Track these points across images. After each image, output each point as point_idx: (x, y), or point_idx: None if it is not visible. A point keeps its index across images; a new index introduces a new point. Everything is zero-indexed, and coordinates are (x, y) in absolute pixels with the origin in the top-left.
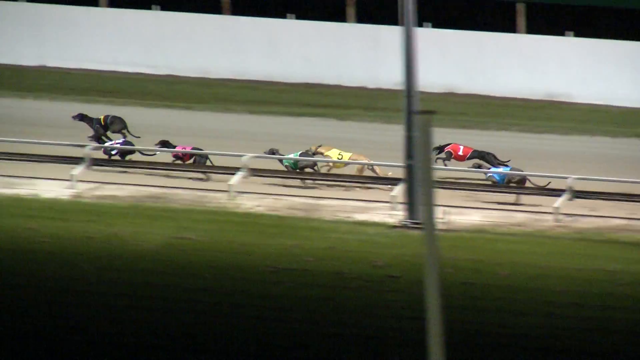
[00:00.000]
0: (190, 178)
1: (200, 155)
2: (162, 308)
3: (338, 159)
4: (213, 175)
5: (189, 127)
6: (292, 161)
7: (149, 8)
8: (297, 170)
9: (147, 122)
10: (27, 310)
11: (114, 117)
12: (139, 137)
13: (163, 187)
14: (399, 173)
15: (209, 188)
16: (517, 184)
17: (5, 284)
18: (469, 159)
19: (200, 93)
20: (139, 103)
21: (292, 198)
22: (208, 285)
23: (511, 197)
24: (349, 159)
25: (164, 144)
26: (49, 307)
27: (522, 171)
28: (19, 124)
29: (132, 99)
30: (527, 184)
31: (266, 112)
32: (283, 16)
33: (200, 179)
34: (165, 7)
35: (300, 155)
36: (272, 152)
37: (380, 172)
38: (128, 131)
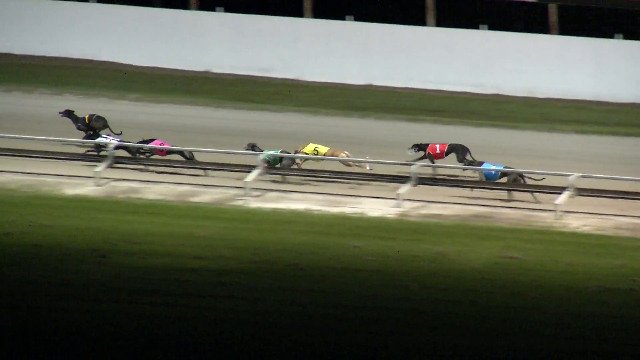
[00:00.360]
0: (512, 200)
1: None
2: (494, 330)
3: (314, 153)
4: (539, 195)
5: (514, 146)
6: (271, 157)
7: (477, 27)
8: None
9: (472, 141)
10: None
11: (98, 116)
12: (120, 133)
13: (489, 206)
14: None
15: (535, 207)
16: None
17: (328, 302)
18: (446, 154)
19: (525, 112)
20: (464, 122)
21: (619, 218)
22: (535, 304)
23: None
24: (325, 154)
25: (253, 146)
26: (372, 324)
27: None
28: (346, 142)
29: (457, 118)
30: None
31: (593, 132)
32: (610, 36)
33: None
34: (493, 27)
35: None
36: (252, 146)
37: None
38: (110, 129)
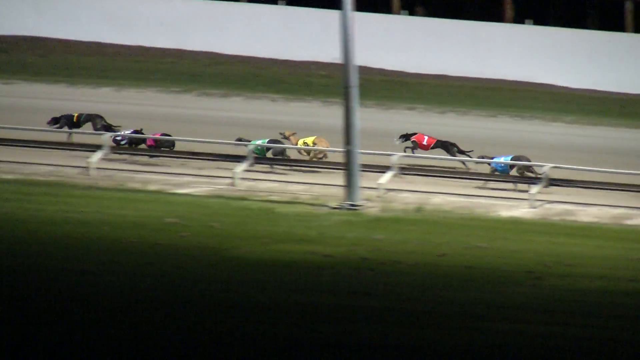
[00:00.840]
0: None
1: None
2: None
3: (304, 144)
4: None
5: None
6: (259, 148)
7: None
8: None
9: None
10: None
11: (90, 114)
12: (120, 126)
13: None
14: None
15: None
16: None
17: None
18: (432, 148)
19: None
20: None
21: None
22: None
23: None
24: (312, 142)
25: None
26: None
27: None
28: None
29: None
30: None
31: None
32: None
33: None
34: None
35: (268, 142)
36: (239, 139)
37: None
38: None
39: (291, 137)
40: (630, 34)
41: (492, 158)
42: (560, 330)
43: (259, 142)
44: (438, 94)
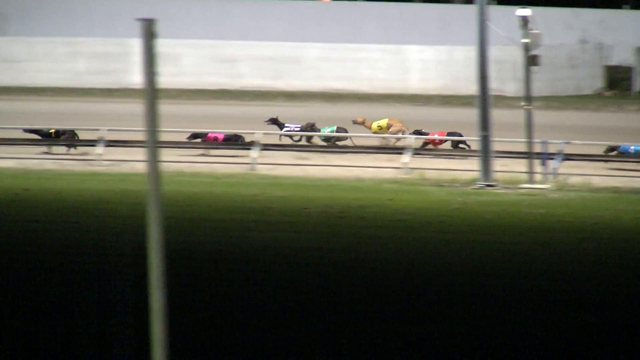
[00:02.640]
0: None
1: None
2: None
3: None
4: None
5: None
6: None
7: None
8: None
9: None
10: None
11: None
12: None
13: None
14: None
15: None
16: None
17: None
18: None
19: None
20: None
21: None
22: None
23: None
24: (386, 125)
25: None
26: None
27: None
28: None
29: None
30: None
31: None
32: None
33: None
34: None
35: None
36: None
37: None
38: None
39: (365, 123)
40: None
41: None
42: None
43: (327, 129)
44: None
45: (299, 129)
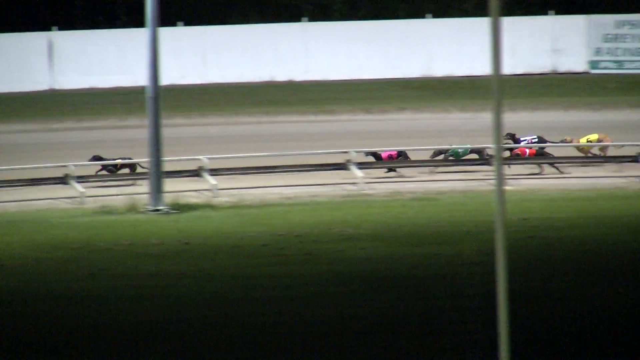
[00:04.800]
0: None
1: None
2: None
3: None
4: None
5: None
6: (456, 151)
7: None
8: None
9: None
10: None
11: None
12: None
13: None
14: None
15: None
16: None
17: None
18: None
19: None
20: None
21: None
22: None
23: None
24: (596, 140)
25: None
26: None
27: None
28: None
29: None
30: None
31: None
32: None
33: None
34: None
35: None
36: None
37: None
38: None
39: (573, 140)
40: None
41: None
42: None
43: (461, 146)
44: None
45: (536, 140)
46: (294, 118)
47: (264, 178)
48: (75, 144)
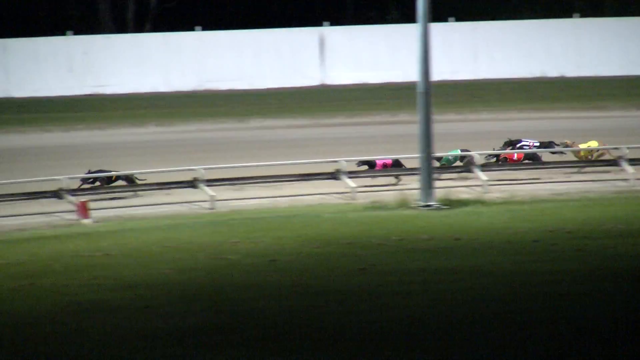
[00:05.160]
0: None
1: None
2: None
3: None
4: None
5: None
6: (447, 158)
7: None
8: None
9: None
10: None
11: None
12: None
13: None
14: None
15: None
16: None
17: None
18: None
19: None
20: None
21: None
22: None
23: None
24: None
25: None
26: None
27: None
28: None
29: None
30: None
31: None
32: None
33: None
34: None
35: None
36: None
37: None
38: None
39: (573, 145)
40: None
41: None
42: None
43: (451, 153)
44: None
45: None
46: (564, 114)
47: (533, 173)
48: (345, 139)
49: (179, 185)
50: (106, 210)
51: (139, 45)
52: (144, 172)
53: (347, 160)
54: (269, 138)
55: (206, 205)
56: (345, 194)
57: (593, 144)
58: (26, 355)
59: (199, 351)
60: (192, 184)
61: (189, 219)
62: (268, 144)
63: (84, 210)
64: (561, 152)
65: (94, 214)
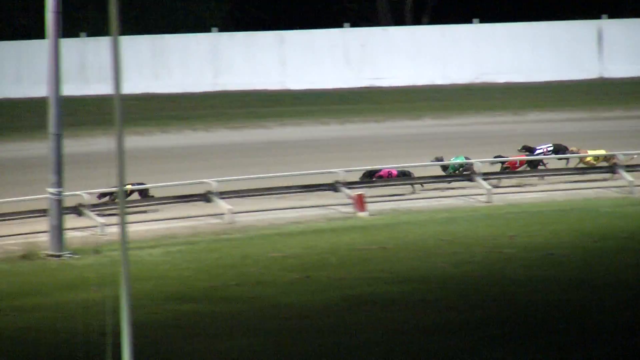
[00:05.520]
0: None
1: None
2: None
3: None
4: None
5: None
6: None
7: None
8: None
9: None
10: None
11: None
12: None
13: None
14: None
15: None
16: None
17: None
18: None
19: None
20: None
21: None
22: None
23: None
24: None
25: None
26: None
27: None
28: None
29: None
30: None
31: None
32: None
33: None
34: None
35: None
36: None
37: None
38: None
39: (580, 151)
40: None
41: None
42: None
43: (457, 160)
44: None
45: (551, 149)
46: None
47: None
48: (624, 132)
49: (455, 179)
50: (381, 203)
51: (416, 38)
52: (409, 166)
53: (624, 154)
54: (543, 131)
55: (482, 198)
56: (624, 188)
57: (600, 151)
58: (306, 346)
59: (479, 345)
60: (469, 177)
61: (464, 212)
62: (541, 138)
63: (360, 203)
64: (565, 159)
65: (370, 207)
